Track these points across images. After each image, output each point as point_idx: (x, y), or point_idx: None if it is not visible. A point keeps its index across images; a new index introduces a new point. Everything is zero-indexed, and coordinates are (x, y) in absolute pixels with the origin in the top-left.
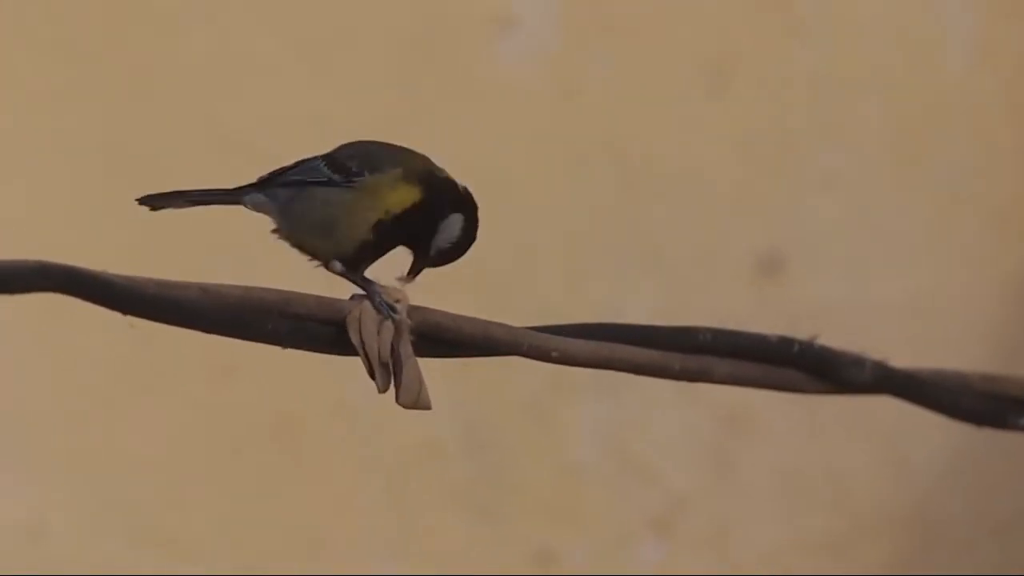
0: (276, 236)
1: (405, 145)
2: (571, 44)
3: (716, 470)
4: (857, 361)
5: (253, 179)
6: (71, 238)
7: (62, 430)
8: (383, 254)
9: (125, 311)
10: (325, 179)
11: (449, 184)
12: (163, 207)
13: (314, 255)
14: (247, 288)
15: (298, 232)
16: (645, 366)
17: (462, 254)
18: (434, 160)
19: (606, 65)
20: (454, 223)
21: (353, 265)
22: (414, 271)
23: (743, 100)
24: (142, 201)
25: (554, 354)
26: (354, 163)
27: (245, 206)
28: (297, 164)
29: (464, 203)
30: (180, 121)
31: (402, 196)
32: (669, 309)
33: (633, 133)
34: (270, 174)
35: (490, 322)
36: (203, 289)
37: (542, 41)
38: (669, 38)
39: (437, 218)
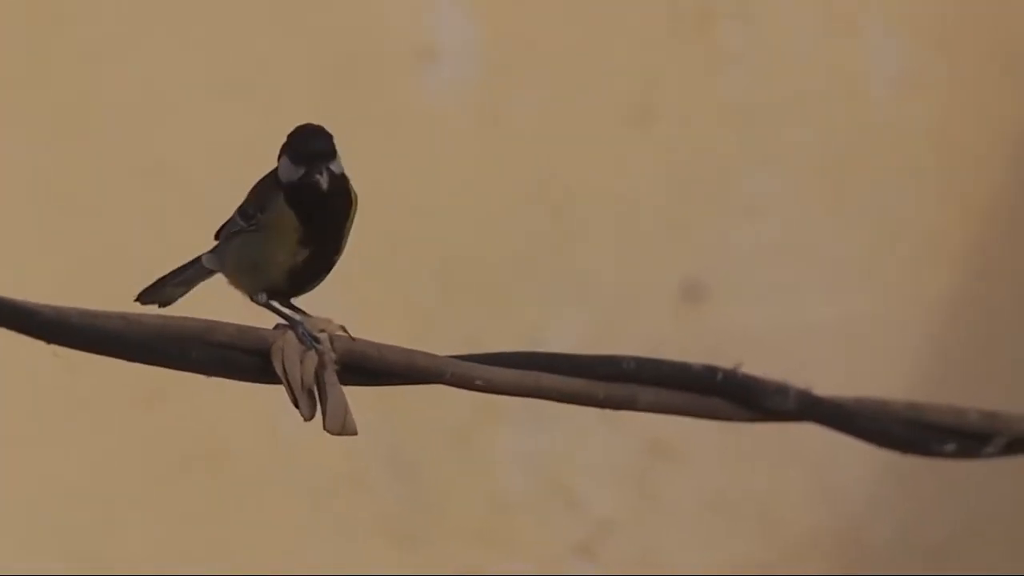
0: (228, 283)
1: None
2: (494, 75)
3: (642, 496)
4: (781, 389)
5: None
6: (2, 269)
7: None
8: (324, 258)
9: (50, 340)
10: (239, 228)
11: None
12: (155, 301)
13: (248, 293)
14: (168, 317)
15: (235, 277)
16: (570, 394)
17: (301, 154)
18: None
19: (529, 95)
20: (283, 170)
21: (290, 294)
22: (317, 180)
23: (668, 128)
24: (140, 300)
25: (478, 382)
26: (251, 207)
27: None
28: (231, 218)
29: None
30: (104, 152)
31: (287, 217)
32: (594, 337)
33: (557, 162)
34: (217, 231)
35: (414, 351)
36: (125, 318)
37: (464, 72)
38: (593, 67)
39: (290, 188)
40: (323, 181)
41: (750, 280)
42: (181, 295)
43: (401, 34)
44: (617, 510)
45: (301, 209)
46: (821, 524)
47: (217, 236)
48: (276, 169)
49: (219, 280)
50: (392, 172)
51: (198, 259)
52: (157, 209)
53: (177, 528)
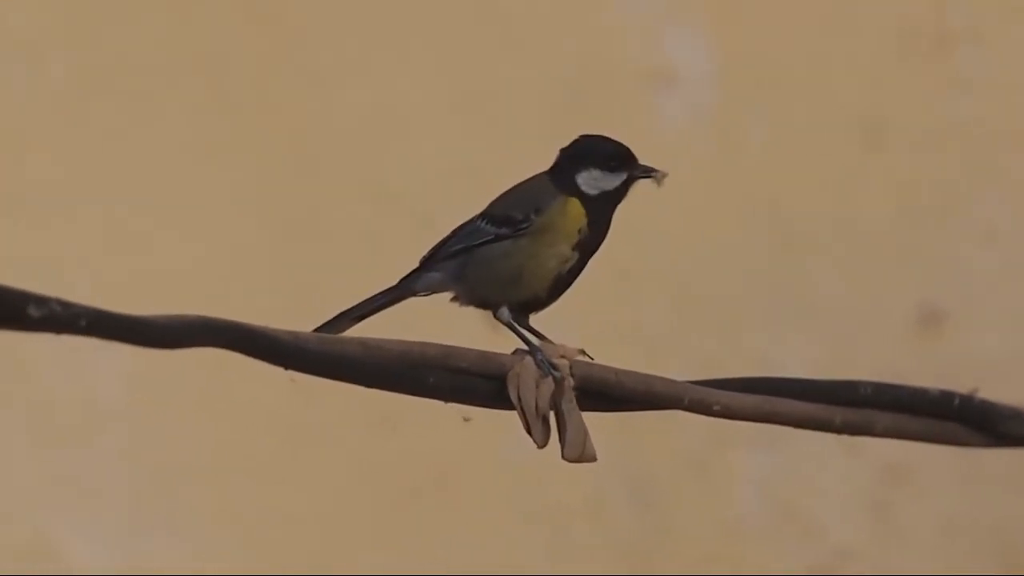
0: (457, 304)
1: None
2: (728, 99)
3: (878, 522)
4: (1018, 414)
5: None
6: (233, 293)
7: (223, 484)
8: (576, 275)
9: (287, 366)
10: (492, 236)
11: (556, 168)
12: (338, 331)
13: (498, 306)
14: (408, 343)
15: (480, 293)
16: (806, 420)
17: (624, 160)
18: None
19: (763, 119)
20: (585, 181)
21: (539, 307)
22: (650, 177)
23: (900, 153)
24: (319, 331)
25: (716, 408)
26: (517, 211)
27: (417, 294)
28: (454, 233)
29: (569, 161)
30: (336, 175)
31: (576, 213)
32: (828, 362)
33: (791, 186)
34: (431, 252)
35: (652, 376)
36: (364, 344)
37: (700, 96)
38: (826, 92)
39: (585, 196)
40: (659, 177)
41: (986, 305)
42: (351, 326)
43: (638, 58)
44: (853, 536)
45: (595, 208)
46: None
47: (426, 260)
48: (540, 176)
49: (443, 304)
50: (627, 197)
51: (398, 286)
52: (388, 233)
53: (409, 555)
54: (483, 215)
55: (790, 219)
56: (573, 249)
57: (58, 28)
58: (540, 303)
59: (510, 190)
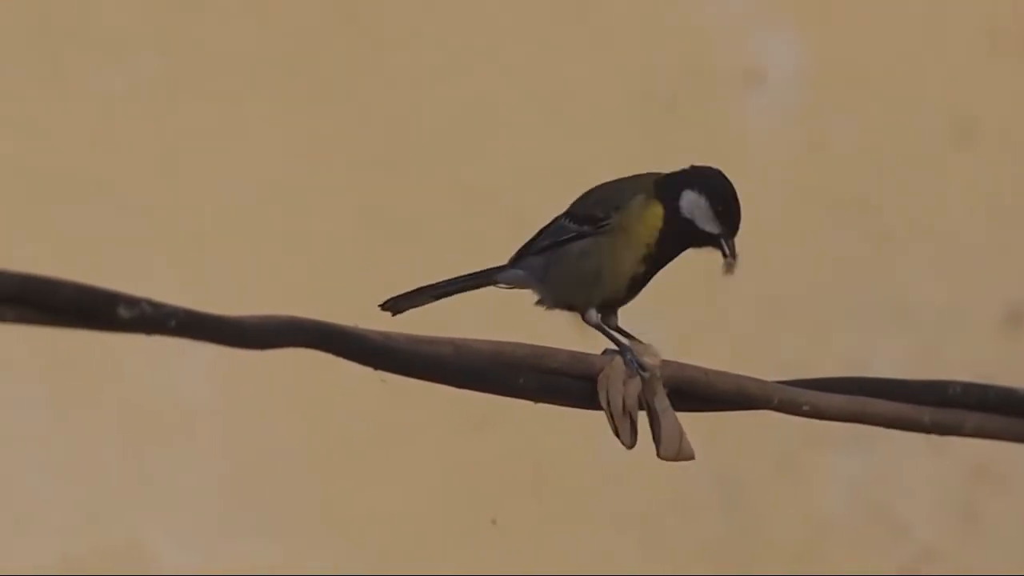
0: (542, 307)
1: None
2: (817, 98)
3: (965, 522)
4: None
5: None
6: (324, 294)
7: (314, 485)
8: (650, 278)
9: (377, 366)
10: (574, 233)
11: (671, 177)
12: (408, 308)
13: (582, 307)
14: (499, 343)
15: (563, 292)
16: (896, 419)
17: (731, 210)
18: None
19: (852, 118)
20: (690, 201)
21: (620, 304)
22: (729, 251)
23: (991, 152)
24: (385, 306)
25: (805, 408)
26: (598, 209)
27: (497, 285)
28: (541, 232)
29: (683, 180)
30: (425, 175)
31: (652, 221)
32: (916, 362)
33: (880, 186)
34: (520, 249)
35: (743, 377)
36: (455, 344)
37: (789, 95)
38: (915, 90)
39: (677, 208)
40: (730, 265)
41: None
42: (429, 302)
43: (728, 58)
44: (941, 535)
45: (674, 227)
46: None
47: (517, 257)
48: (645, 175)
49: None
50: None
51: (484, 273)
52: (477, 234)
53: (498, 557)
54: (567, 213)
55: (879, 218)
56: (647, 253)
57: (151, 28)
58: (620, 301)
59: (597, 188)
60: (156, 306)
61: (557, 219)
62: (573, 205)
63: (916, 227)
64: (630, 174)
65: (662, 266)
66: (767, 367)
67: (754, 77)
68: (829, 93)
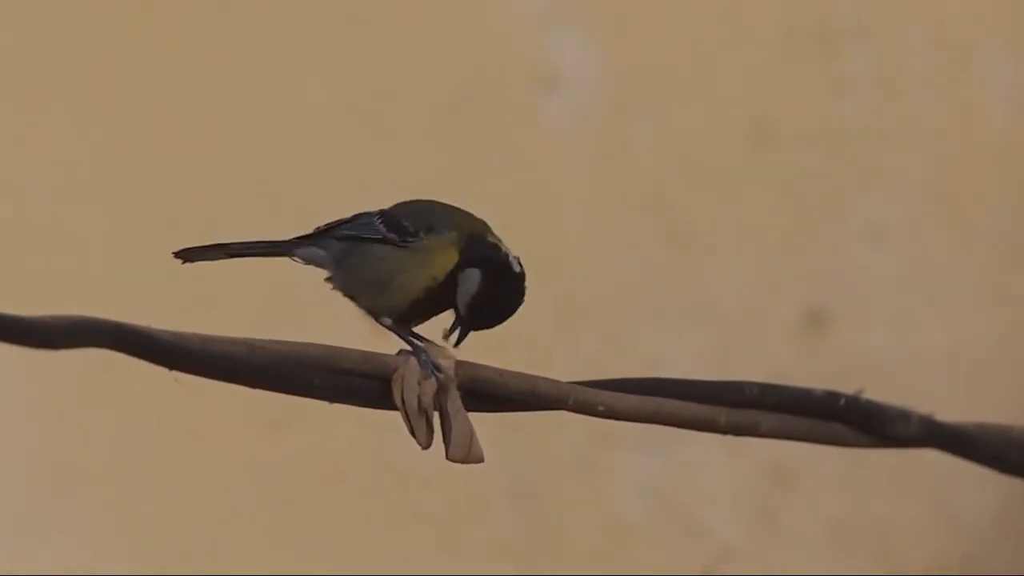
0: (330, 286)
1: (457, 206)
2: (613, 101)
3: (763, 523)
4: (903, 415)
5: (297, 233)
6: (115, 293)
7: (111, 484)
8: (435, 313)
9: (171, 366)
10: (379, 236)
11: (485, 246)
12: (200, 260)
13: (366, 309)
14: (292, 344)
15: (352, 286)
16: (692, 420)
17: (492, 312)
18: (489, 223)
19: (650, 120)
20: (470, 277)
21: (404, 321)
22: (457, 335)
23: (788, 154)
24: (178, 254)
25: (600, 408)
26: (411, 223)
27: (294, 259)
28: (354, 217)
29: (486, 260)
30: (223, 175)
31: (446, 260)
32: (715, 363)
33: (678, 187)
34: (326, 226)
35: (537, 377)
36: (247, 344)
37: (584, 98)
38: (713, 93)
39: (456, 274)
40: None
41: (872, 306)
42: (221, 259)
43: (522, 60)
44: (738, 535)
45: (462, 264)
46: (943, 551)
47: (320, 232)
48: (461, 214)
49: (334, 301)
50: (512, 198)
51: (283, 243)
52: (274, 233)
53: (295, 556)
54: (382, 213)
55: (677, 219)
56: (432, 285)
57: None
58: (404, 317)
59: (426, 202)
60: None
61: (371, 214)
62: (392, 208)
63: (715, 228)
64: (442, 200)
65: (440, 307)
66: (566, 368)
67: (549, 79)
68: (626, 94)
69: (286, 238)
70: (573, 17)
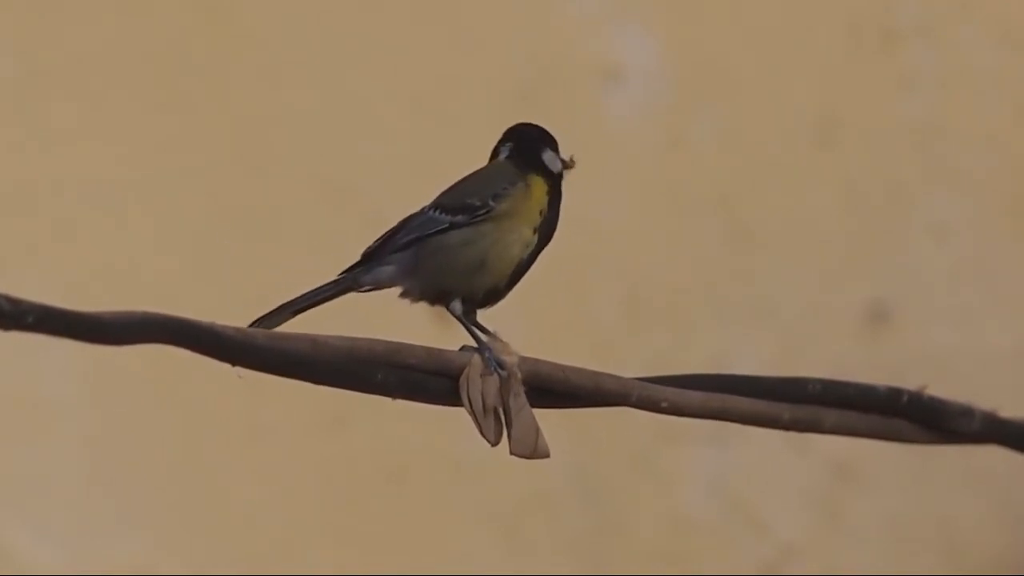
0: (408, 300)
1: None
2: (678, 96)
3: (825, 519)
4: (966, 411)
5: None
6: (180, 289)
7: (174, 482)
8: (534, 260)
9: (235, 362)
10: (447, 224)
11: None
12: (278, 324)
13: (462, 298)
14: (356, 339)
15: (437, 284)
16: (755, 416)
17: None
18: None
19: (713, 117)
20: (548, 157)
21: (486, 303)
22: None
23: (851, 151)
24: (257, 324)
25: (664, 404)
26: (474, 198)
27: (360, 290)
28: (403, 224)
29: (523, 139)
30: (288, 171)
31: (539, 190)
32: (778, 359)
33: (741, 184)
34: (375, 246)
35: (600, 373)
36: (312, 340)
37: (650, 93)
38: (777, 89)
39: (547, 169)
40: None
41: (934, 303)
42: (291, 318)
43: (587, 55)
44: (801, 532)
45: (554, 187)
46: (1007, 548)
47: (372, 253)
48: (494, 164)
49: (392, 301)
50: (577, 193)
51: (341, 279)
52: (339, 230)
53: (359, 554)
54: (434, 205)
55: (740, 216)
56: (535, 232)
57: (8, 26)
58: (499, 294)
59: (462, 180)
60: (14, 302)
61: (421, 212)
62: (439, 197)
63: (778, 225)
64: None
65: (543, 247)
66: (629, 365)
67: (613, 74)
68: (690, 90)
69: (340, 274)
70: (638, 12)
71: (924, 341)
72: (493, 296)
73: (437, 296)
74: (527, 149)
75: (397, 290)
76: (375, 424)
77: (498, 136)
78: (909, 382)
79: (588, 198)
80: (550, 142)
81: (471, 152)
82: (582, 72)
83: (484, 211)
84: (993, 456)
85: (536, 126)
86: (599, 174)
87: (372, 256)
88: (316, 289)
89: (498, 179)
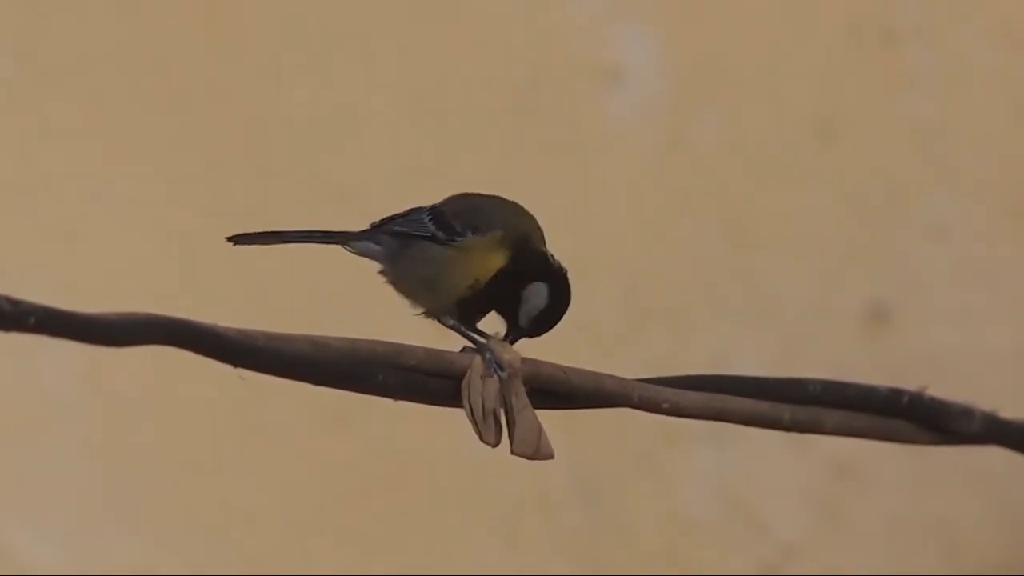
0: (383, 280)
1: (517, 200)
2: (678, 96)
3: (825, 519)
4: (967, 412)
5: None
6: (180, 290)
7: (175, 483)
8: (487, 311)
9: (235, 364)
10: (428, 234)
11: (539, 255)
12: (253, 244)
13: (421, 306)
14: (356, 340)
15: (403, 282)
16: (755, 417)
17: (551, 325)
18: (542, 218)
19: (713, 117)
20: (538, 292)
21: (463, 318)
22: (509, 339)
23: (851, 151)
24: (232, 239)
25: (665, 405)
26: (458, 222)
27: (348, 249)
28: (408, 212)
29: (550, 273)
30: (288, 172)
31: (490, 262)
32: (778, 360)
33: (741, 184)
34: (381, 221)
35: (601, 374)
36: (312, 341)
37: (649, 93)
38: (777, 89)
39: (521, 286)
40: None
41: (935, 303)
42: (274, 243)
43: (586, 55)
44: (801, 533)
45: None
46: (1006, 546)
47: (375, 227)
48: (508, 207)
49: (397, 297)
50: (576, 193)
51: (338, 234)
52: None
53: (360, 553)
54: (432, 209)
55: (740, 216)
56: (481, 285)
57: (8, 26)
58: (452, 314)
59: (475, 197)
60: (15, 303)
61: (423, 209)
62: (443, 203)
63: (778, 225)
64: (505, 194)
65: (486, 307)
66: (630, 365)
67: (613, 73)
68: (690, 90)
69: (341, 230)
70: (637, 12)
71: (924, 341)
72: (460, 316)
73: (402, 292)
74: (538, 262)
75: (378, 266)
76: (375, 424)
77: (498, 136)
78: (909, 382)
79: (587, 197)
80: (553, 298)
81: (471, 152)
82: (582, 72)
83: (458, 238)
84: (993, 456)
85: (565, 285)
86: (598, 173)
87: (373, 229)
88: (309, 231)
89: (491, 218)
